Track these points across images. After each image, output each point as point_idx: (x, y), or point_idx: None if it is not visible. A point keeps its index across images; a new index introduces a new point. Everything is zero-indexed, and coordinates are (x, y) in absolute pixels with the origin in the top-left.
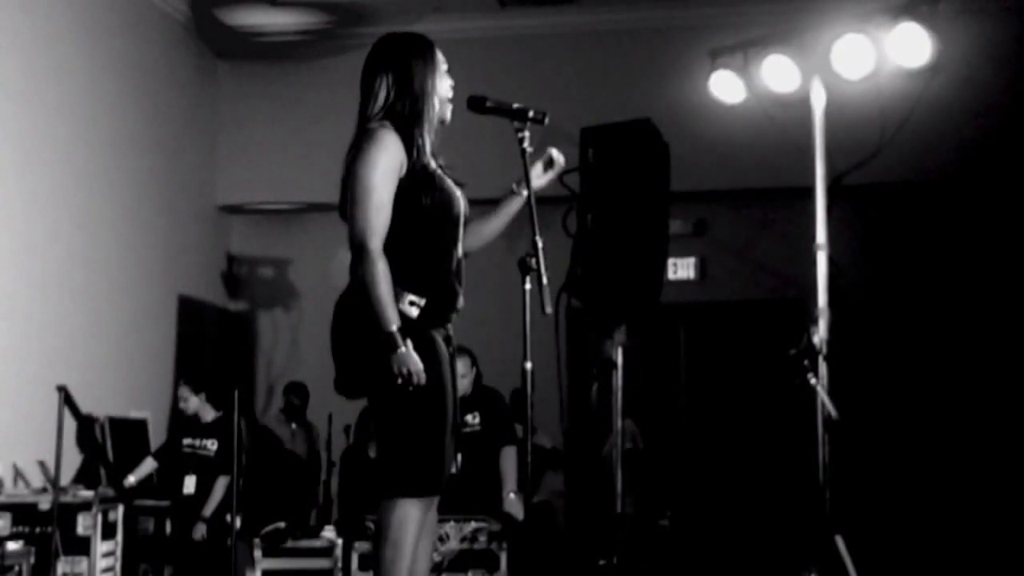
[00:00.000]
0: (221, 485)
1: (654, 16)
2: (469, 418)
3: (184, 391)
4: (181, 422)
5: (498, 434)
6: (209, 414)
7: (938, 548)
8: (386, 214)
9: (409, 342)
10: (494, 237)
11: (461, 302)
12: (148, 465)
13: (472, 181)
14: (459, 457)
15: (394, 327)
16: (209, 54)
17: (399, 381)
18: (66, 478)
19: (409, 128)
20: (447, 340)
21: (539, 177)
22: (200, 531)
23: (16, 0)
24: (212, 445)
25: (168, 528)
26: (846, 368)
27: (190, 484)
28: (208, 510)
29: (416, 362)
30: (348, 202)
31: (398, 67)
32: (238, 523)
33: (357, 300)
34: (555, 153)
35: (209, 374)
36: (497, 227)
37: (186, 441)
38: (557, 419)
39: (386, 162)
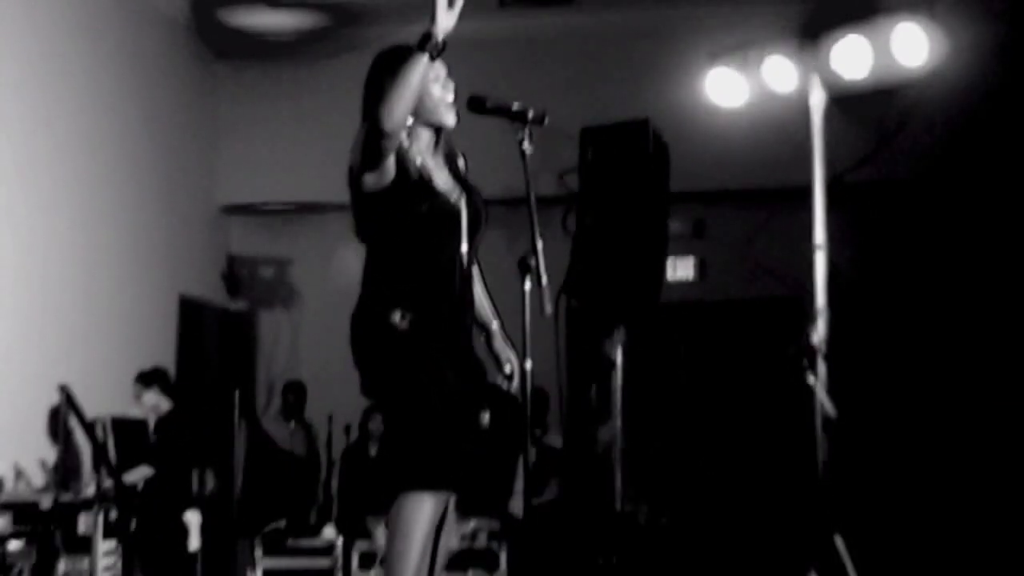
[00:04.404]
0: (138, 473)
1: (654, 16)
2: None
3: (135, 388)
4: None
5: (511, 434)
6: (165, 406)
7: (939, 548)
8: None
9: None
10: None
11: (466, 315)
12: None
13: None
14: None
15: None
16: (209, 54)
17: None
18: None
19: None
20: (454, 351)
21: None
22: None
23: (16, 0)
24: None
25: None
26: (845, 367)
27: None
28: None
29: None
30: (355, 149)
31: (373, 83)
32: (196, 524)
33: (368, 313)
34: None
35: (157, 368)
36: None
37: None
38: (557, 419)
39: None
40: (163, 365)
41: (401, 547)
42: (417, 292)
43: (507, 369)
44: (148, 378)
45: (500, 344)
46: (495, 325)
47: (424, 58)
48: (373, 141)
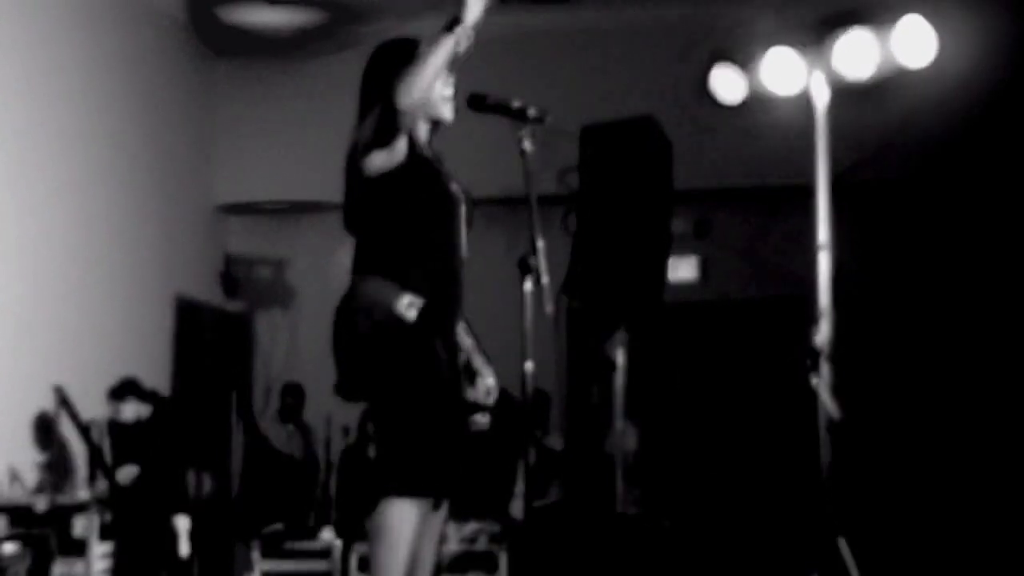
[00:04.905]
0: (124, 473)
1: (655, 14)
2: (478, 416)
3: (111, 405)
4: None
5: (511, 435)
6: (145, 412)
7: (942, 550)
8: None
9: None
10: None
11: (460, 309)
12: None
13: (471, 180)
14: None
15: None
16: (208, 52)
17: None
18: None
19: None
20: (452, 347)
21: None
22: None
23: None
24: None
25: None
26: (849, 368)
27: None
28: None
29: None
30: (363, 129)
31: (372, 76)
32: (185, 528)
33: (355, 303)
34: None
35: (125, 379)
36: None
37: None
38: (557, 419)
39: None
40: (133, 374)
41: (386, 556)
42: (422, 280)
43: (489, 382)
44: (120, 392)
45: (479, 361)
46: (470, 341)
47: (452, 40)
48: (387, 119)
